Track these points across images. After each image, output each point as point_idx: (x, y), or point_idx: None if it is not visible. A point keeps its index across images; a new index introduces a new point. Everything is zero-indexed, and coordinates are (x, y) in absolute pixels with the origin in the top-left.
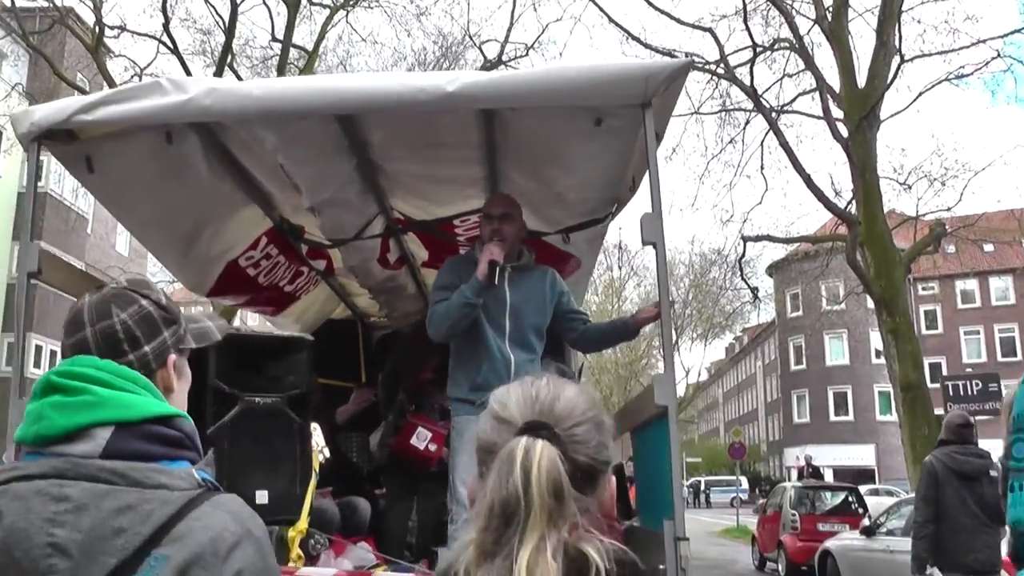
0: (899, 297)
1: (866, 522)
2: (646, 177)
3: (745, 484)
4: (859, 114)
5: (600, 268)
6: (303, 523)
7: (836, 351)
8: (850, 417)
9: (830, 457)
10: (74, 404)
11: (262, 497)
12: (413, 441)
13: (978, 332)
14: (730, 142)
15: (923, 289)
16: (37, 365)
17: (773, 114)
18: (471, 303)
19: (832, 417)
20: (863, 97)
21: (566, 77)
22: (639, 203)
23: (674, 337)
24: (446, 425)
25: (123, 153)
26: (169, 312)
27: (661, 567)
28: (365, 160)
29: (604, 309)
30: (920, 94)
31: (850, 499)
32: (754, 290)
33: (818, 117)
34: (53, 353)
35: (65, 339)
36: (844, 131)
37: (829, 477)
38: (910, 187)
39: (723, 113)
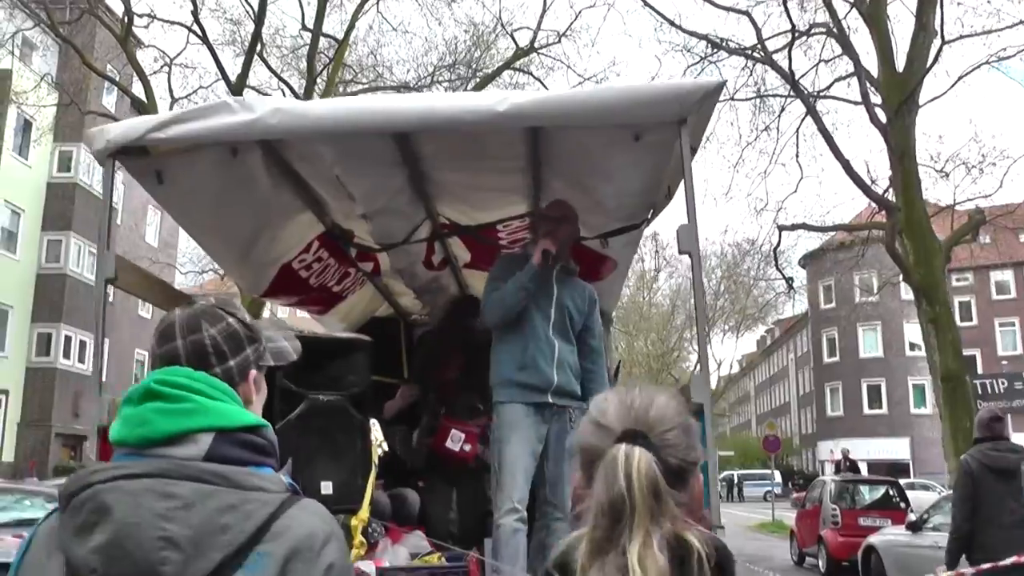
0: (939, 286)
1: (912, 517)
2: (682, 184)
3: (778, 478)
4: (898, 99)
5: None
6: (364, 512)
7: (870, 343)
8: (884, 410)
9: (864, 451)
10: (177, 410)
11: (327, 488)
12: (448, 444)
13: (1013, 324)
14: (764, 129)
15: (957, 280)
16: (67, 356)
17: (811, 100)
18: (527, 287)
19: (866, 410)
20: (902, 82)
21: (607, 98)
22: (674, 204)
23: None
24: (478, 423)
25: (191, 167)
26: (252, 331)
27: None
28: (415, 171)
29: (635, 300)
30: (960, 78)
31: (891, 493)
32: (788, 280)
33: (855, 103)
34: (83, 344)
35: (156, 348)
36: (883, 117)
37: (863, 470)
38: (947, 175)
39: (758, 100)
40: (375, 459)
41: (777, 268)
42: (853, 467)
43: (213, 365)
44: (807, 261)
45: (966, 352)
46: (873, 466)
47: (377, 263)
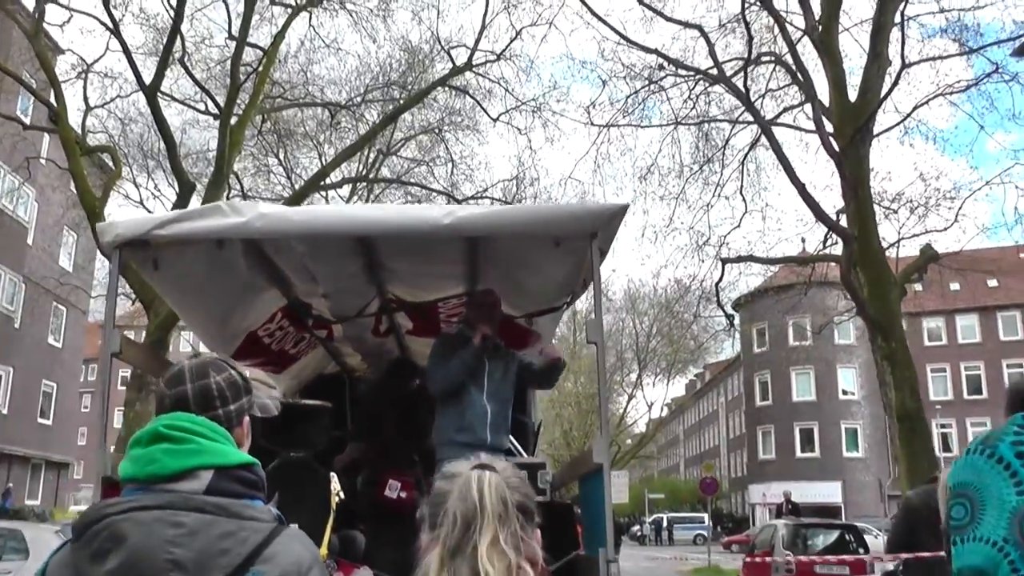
0: (895, 320)
1: (889, 567)
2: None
3: (708, 521)
4: (852, 127)
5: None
6: (324, 550)
7: (803, 387)
8: (816, 454)
9: (796, 494)
10: (182, 451)
11: (293, 528)
12: (387, 492)
13: (944, 370)
14: (707, 161)
15: None
16: None
17: (764, 123)
18: (468, 364)
19: (798, 453)
20: (855, 110)
21: (534, 216)
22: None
23: (637, 372)
24: (414, 473)
25: (182, 256)
26: (247, 383)
27: None
28: (371, 260)
29: (566, 339)
30: (915, 108)
31: (848, 538)
32: (729, 317)
33: (808, 131)
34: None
35: (167, 389)
36: (836, 147)
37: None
38: (896, 211)
39: (704, 125)
40: (333, 505)
41: (718, 303)
42: (795, 510)
43: (217, 408)
44: (739, 306)
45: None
46: (804, 510)
47: (331, 330)
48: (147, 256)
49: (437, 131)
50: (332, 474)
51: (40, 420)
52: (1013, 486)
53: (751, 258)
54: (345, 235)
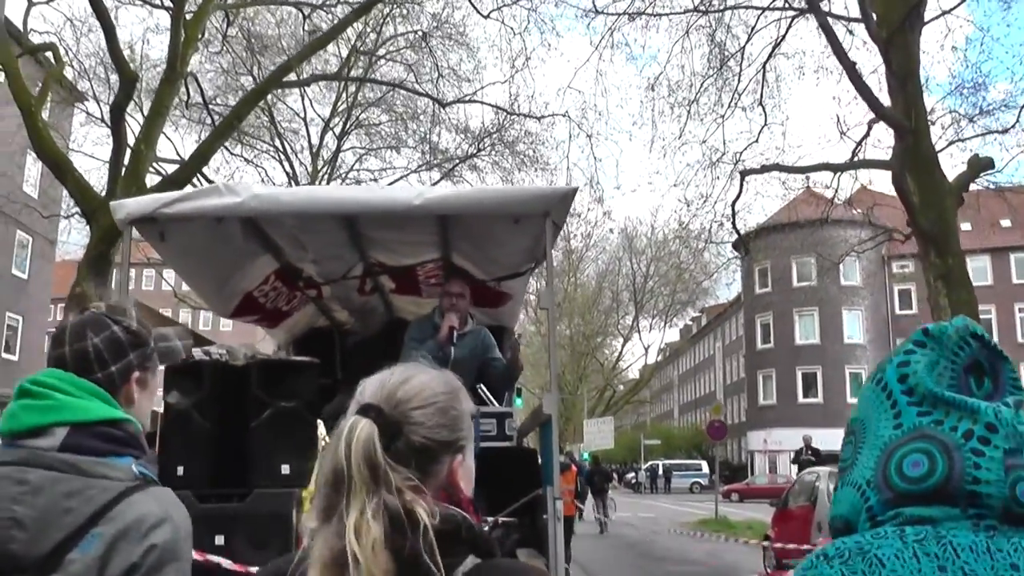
0: (951, 233)
1: None
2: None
3: (706, 468)
4: (900, 12)
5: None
6: (312, 487)
7: (806, 330)
8: (819, 399)
9: (798, 441)
10: (39, 407)
11: (286, 469)
12: None
13: (989, 312)
14: (723, 64)
15: (898, 267)
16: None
17: (797, 15)
18: (433, 353)
19: (800, 399)
20: None
21: (494, 198)
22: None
23: (633, 314)
24: None
25: (186, 229)
26: (138, 337)
27: (544, 517)
28: (354, 232)
29: (559, 281)
30: None
31: None
32: (744, 239)
33: (853, 19)
34: None
35: (50, 351)
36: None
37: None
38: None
39: (726, 14)
40: (320, 449)
41: (733, 225)
42: (816, 456)
43: (95, 371)
44: (741, 244)
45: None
46: (825, 457)
47: (320, 290)
48: (155, 230)
49: (424, 41)
50: (319, 421)
51: (4, 355)
52: (892, 417)
53: (777, 167)
54: (330, 214)
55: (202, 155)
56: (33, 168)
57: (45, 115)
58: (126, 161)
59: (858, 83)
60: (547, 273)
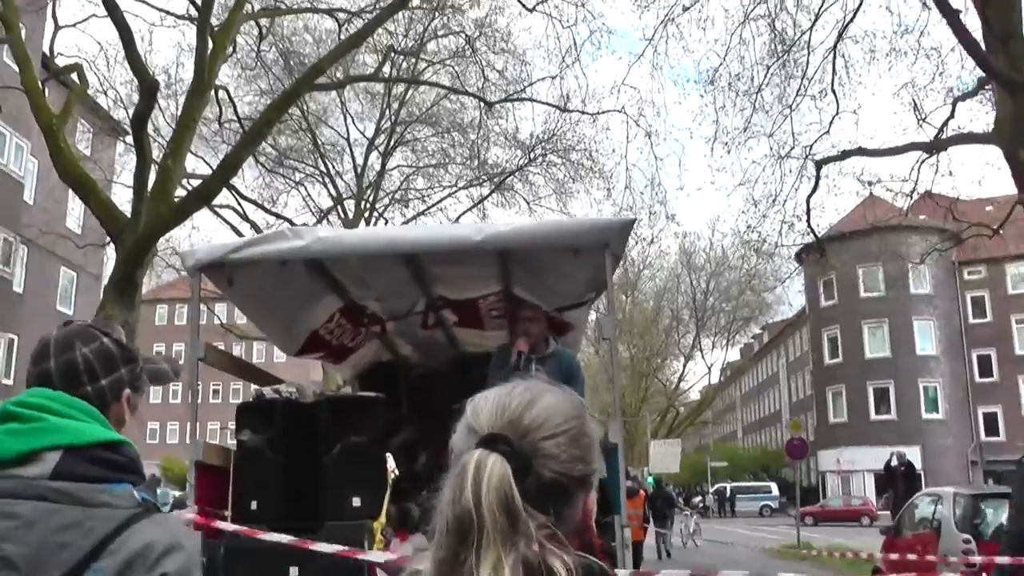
0: None
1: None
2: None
3: (775, 491)
4: None
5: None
6: (382, 518)
7: (876, 343)
8: (893, 416)
9: (871, 460)
10: (27, 431)
11: (356, 502)
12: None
13: None
14: (787, 51)
15: (969, 274)
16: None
17: None
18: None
19: (872, 416)
20: None
21: (553, 231)
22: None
23: (694, 332)
24: None
25: (253, 273)
26: (128, 351)
27: (613, 544)
28: (417, 268)
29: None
30: None
31: None
32: (819, 240)
33: None
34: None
35: (31, 367)
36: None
37: (870, 482)
38: None
39: (783, 14)
40: (389, 481)
41: (808, 224)
42: (910, 474)
43: (84, 384)
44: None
45: (980, 352)
46: (880, 478)
47: (384, 326)
48: (223, 275)
49: (469, 45)
50: (388, 455)
51: None
52: None
53: (860, 151)
54: (392, 253)
55: (231, 165)
56: (75, 202)
57: (87, 150)
58: (152, 176)
59: (962, 34)
60: (608, 303)
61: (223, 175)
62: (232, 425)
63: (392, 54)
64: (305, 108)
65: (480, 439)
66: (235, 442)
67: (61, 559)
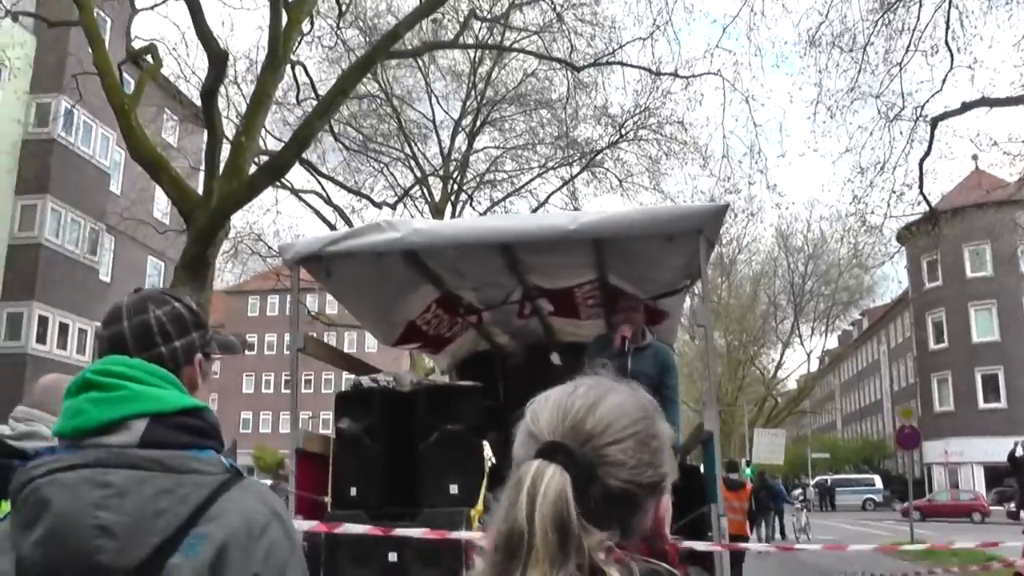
0: None
1: None
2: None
3: (879, 483)
4: None
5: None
6: (480, 506)
7: (984, 326)
8: (1003, 404)
9: (980, 452)
10: (111, 399)
11: (454, 489)
12: None
13: None
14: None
15: None
16: (42, 340)
17: None
18: (608, 367)
19: (981, 404)
20: None
21: (647, 218)
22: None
23: (792, 318)
24: None
25: (350, 265)
26: (198, 317)
27: (709, 533)
28: (512, 258)
29: (712, 285)
30: None
31: None
32: (932, 209)
33: None
34: (63, 327)
35: (103, 330)
36: None
37: (979, 475)
38: None
39: None
40: (486, 469)
41: (921, 191)
42: None
43: (158, 345)
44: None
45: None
46: (991, 469)
47: (480, 316)
48: (321, 267)
49: (559, 19)
50: (484, 442)
51: None
52: None
53: (984, 101)
54: (487, 243)
55: (304, 136)
56: (159, 192)
57: (172, 139)
58: (224, 154)
59: None
60: (703, 290)
61: (296, 147)
62: (324, 415)
63: (474, 19)
64: (390, 90)
65: (539, 448)
66: (333, 430)
67: (159, 526)
